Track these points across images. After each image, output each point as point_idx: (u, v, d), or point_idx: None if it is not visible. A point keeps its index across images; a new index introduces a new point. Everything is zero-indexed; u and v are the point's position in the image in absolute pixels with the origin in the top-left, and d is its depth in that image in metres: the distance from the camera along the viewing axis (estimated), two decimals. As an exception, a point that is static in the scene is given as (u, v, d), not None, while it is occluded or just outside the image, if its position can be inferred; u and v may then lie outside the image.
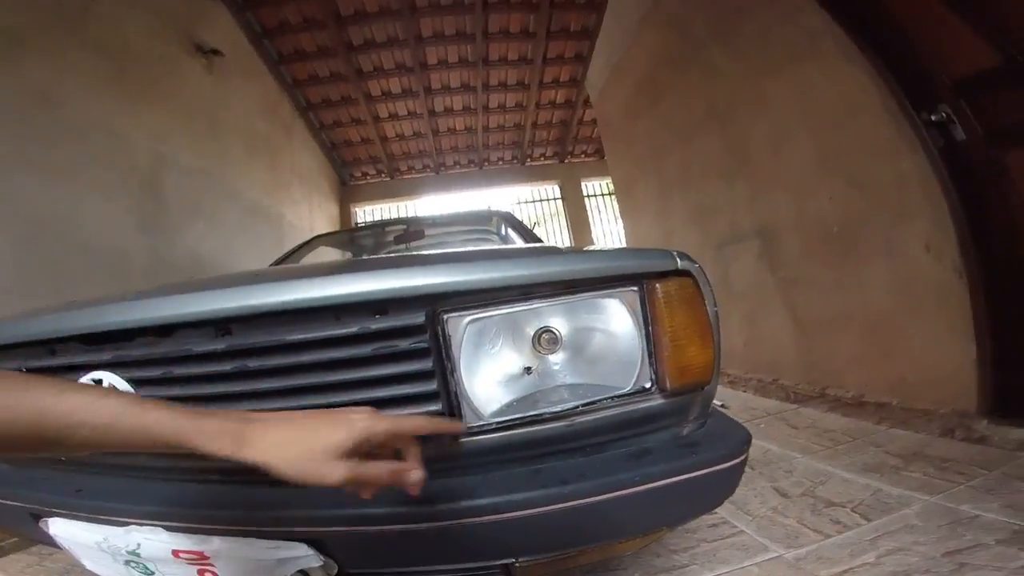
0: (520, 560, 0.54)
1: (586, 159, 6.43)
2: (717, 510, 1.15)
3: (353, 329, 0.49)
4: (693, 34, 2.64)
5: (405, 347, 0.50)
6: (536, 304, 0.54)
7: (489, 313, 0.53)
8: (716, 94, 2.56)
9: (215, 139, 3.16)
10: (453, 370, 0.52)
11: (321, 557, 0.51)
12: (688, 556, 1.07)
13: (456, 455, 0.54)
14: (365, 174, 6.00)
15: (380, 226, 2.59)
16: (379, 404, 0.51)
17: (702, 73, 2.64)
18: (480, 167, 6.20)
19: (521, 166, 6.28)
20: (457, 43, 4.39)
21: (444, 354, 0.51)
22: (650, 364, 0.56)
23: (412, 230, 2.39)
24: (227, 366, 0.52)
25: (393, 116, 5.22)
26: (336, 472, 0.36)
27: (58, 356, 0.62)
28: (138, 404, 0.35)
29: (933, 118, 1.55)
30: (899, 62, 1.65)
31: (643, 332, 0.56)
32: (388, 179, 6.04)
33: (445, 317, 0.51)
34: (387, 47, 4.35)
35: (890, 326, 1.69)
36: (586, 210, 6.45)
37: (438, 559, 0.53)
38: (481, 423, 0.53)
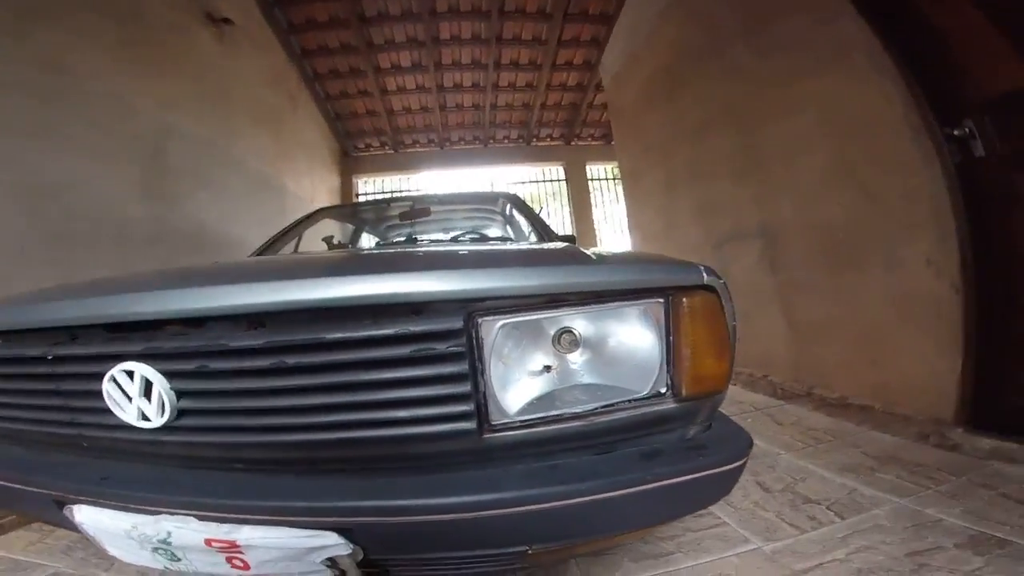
0: (533, 547, 0.58)
1: (593, 142, 6.40)
2: None
3: (393, 330, 0.52)
4: (719, 30, 2.62)
5: (443, 350, 0.52)
6: (565, 311, 0.57)
7: (520, 318, 0.56)
8: (735, 94, 2.55)
9: (221, 109, 3.13)
10: (483, 371, 0.55)
11: (350, 545, 0.54)
12: (674, 544, 1.13)
13: (480, 450, 0.57)
14: (369, 146, 5.93)
15: (385, 202, 2.59)
16: (412, 404, 0.54)
17: (723, 71, 2.63)
18: (485, 144, 6.15)
19: (527, 146, 6.23)
20: (471, 19, 4.32)
21: (476, 356, 0.54)
22: (667, 371, 0.59)
23: (418, 207, 2.39)
24: (265, 362, 0.54)
25: (401, 89, 5.14)
26: None
27: (82, 344, 0.62)
28: None
29: (955, 133, 1.58)
30: (930, 74, 1.66)
31: (664, 341, 0.59)
32: (392, 152, 5.98)
33: (480, 321, 0.54)
34: (400, 20, 4.27)
35: (880, 335, 1.75)
36: (589, 193, 6.45)
37: (459, 546, 0.57)
38: (506, 421, 0.57)
